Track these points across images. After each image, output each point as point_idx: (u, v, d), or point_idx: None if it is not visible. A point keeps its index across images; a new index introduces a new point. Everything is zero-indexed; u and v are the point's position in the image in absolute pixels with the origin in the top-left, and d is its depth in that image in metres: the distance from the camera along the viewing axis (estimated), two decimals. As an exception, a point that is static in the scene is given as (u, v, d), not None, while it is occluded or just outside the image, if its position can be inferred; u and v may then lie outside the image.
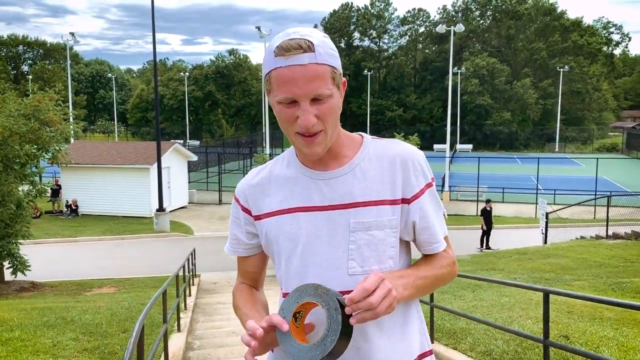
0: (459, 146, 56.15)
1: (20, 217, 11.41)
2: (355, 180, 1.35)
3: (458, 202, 27.02)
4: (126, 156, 23.79)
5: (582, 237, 16.10)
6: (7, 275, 11.66)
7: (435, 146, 55.11)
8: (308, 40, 1.22)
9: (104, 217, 23.00)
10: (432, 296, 5.96)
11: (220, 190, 28.28)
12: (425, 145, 51.88)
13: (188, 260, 9.90)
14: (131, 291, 11.03)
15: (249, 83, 73.35)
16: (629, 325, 5.52)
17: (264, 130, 42.09)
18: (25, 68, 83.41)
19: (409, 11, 74.81)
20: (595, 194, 23.92)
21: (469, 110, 61.48)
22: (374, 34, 73.39)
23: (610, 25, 76.33)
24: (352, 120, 65.94)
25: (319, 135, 1.27)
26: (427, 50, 73.46)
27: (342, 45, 72.52)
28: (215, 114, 74.52)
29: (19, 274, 11.40)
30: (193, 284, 11.40)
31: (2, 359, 5.00)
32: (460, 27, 32.66)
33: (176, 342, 6.39)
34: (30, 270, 11.52)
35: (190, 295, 10.14)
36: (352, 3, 73.16)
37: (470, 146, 58.26)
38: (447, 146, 32.88)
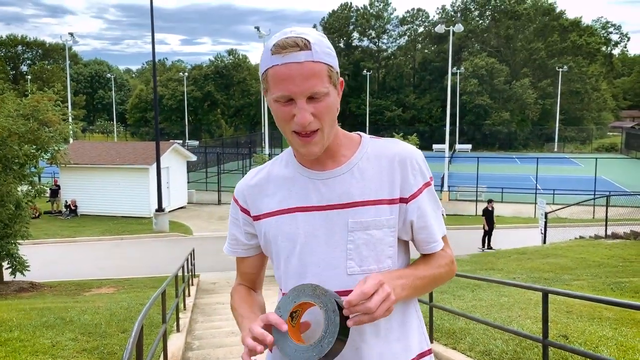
0: (458, 146, 56.19)
1: (19, 218, 11.40)
2: (353, 180, 1.35)
3: (457, 202, 27.04)
4: (125, 156, 23.78)
5: (581, 237, 16.12)
6: (6, 276, 11.65)
7: (435, 146, 55.13)
8: (304, 39, 1.22)
9: (103, 217, 22.99)
10: (431, 296, 5.97)
11: (220, 190, 28.28)
12: (425, 145, 51.87)
13: (187, 260, 9.90)
14: (130, 291, 11.02)
15: (248, 83, 73.34)
16: (627, 324, 5.52)
17: (263, 131, 42.08)
18: (24, 68, 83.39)
19: (408, 11, 74.89)
20: (594, 194, 23.94)
21: (468, 110, 61.52)
22: (373, 34, 73.42)
23: (609, 25, 76.42)
24: (351, 120, 65.95)
25: (315, 135, 1.27)
26: (426, 50, 73.50)
27: (341, 45, 72.54)
28: (215, 114, 74.51)
29: (18, 274, 11.38)
30: (192, 284, 11.40)
31: (1, 359, 5.00)
32: (459, 27, 32.66)
33: (175, 342, 6.38)
34: (29, 270, 11.51)
35: (189, 295, 10.14)
36: (351, 3, 73.22)
37: (469, 146, 58.30)
38: (446, 146, 32.88)
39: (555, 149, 59.33)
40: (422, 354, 1.43)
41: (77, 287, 12.04)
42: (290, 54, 1.21)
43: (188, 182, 28.08)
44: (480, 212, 24.46)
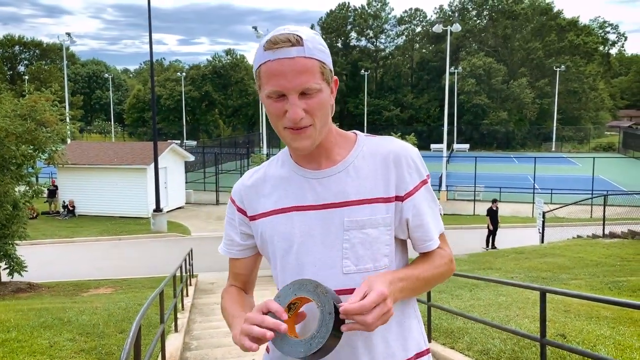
0: (456, 146, 56.27)
1: (17, 218, 11.37)
2: (348, 179, 1.35)
3: (455, 202, 27.07)
4: (123, 156, 23.75)
5: (578, 236, 16.14)
6: (4, 276, 11.62)
7: (433, 146, 55.16)
8: (297, 35, 1.23)
9: (101, 217, 22.96)
10: (429, 295, 5.97)
11: (218, 190, 28.26)
12: (423, 145, 51.93)
13: (185, 260, 9.89)
14: (128, 292, 11.01)
15: (246, 83, 73.31)
16: (625, 323, 5.53)
17: (261, 131, 42.11)
18: (21, 68, 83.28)
19: (405, 11, 75.11)
20: (592, 193, 23.98)
21: (466, 110, 61.59)
22: (371, 34, 73.45)
23: (607, 25, 76.70)
24: (349, 120, 66.01)
25: (308, 129, 1.26)
26: (424, 50, 73.55)
27: (339, 45, 72.60)
28: (212, 114, 74.46)
29: (15, 274, 11.36)
30: (190, 285, 11.38)
31: (-2, 360, 4.99)
32: (456, 27, 32.66)
33: (173, 343, 6.38)
34: (26, 271, 11.48)
35: (187, 295, 10.12)
36: (349, 3, 73.28)
37: (467, 146, 58.38)
38: (444, 146, 32.90)
39: (553, 149, 59.41)
40: (420, 354, 1.42)
41: (75, 287, 12.02)
42: (282, 49, 1.21)
43: (186, 182, 28.06)
44: (478, 212, 24.56)
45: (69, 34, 41.10)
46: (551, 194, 26.53)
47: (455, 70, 58.50)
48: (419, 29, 74.19)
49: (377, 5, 72.92)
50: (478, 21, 71.09)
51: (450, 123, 49.87)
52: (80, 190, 23.49)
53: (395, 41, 74.65)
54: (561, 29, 65.58)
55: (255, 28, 35.77)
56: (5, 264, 11.31)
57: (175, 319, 7.14)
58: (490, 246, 17.19)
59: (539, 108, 63.05)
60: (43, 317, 6.96)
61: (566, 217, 21.07)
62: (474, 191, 27.02)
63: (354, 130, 1.47)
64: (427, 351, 1.45)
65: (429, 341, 5.54)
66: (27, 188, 11.80)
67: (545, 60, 63.73)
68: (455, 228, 20.01)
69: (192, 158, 28.61)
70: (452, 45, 51.46)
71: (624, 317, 5.75)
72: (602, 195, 17.32)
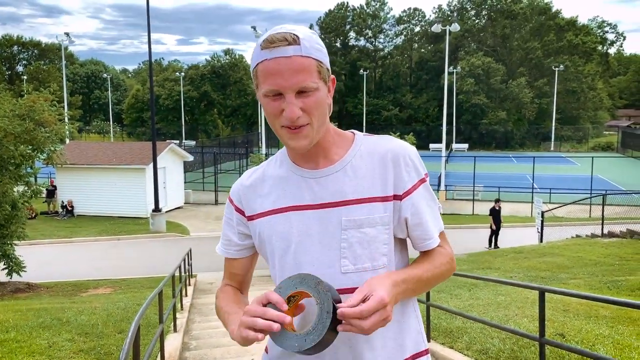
0: (454, 145, 56.30)
1: (16, 218, 11.36)
2: (346, 178, 1.35)
3: (454, 202, 27.08)
4: (122, 156, 23.74)
5: (577, 236, 16.15)
6: (3, 277, 11.61)
7: (431, 145, 55.16)
8: (293, 34, 1.23)
9: (100, 217, 22.95)
10: (428, 295, 5.98)
11: (217, 190, 28.26)
12: (421, 145, 51.90)
13: (184, 260, 9.88)
14: (127, 292, 11.01)
15: (244, 83, 73.30)
16: (624, 323, 5.54)
17: (259, 130, 42.06)
18: (20, 68, 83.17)
19: (404, 11, 74.90)
20: (591, 193, 24.02)
21: (465, 110, 61.62)
22: (370, 34, 73.45)
23: (605, 25, 76.81)
24: (348, 120, 66.04)
25: (305, 129, 1.26)
26: (422, 50, 73.57)
27: (338, 44, 72.61)
28: (211, 114, 74.40)
29: (14, 275, 11.35)
30: (189, 284, 11.38)
31: (-3, 361, 4.99)
32: (455, 27, 32.67)
33: (172, 343, 6.38)
34: (25, 271, 11.48)
35: (186, 295, 10.12)
36: (347, 3, 73.29)
37: (466, 145, 58.41)
38: (443, 145, 32.89)
39: (552, 148, 59.46)
40: (419, 354, 1.42)
41: (73, 287, 12.01)
42: (278, 48, 1.22)
43: (185, 182, 28.06)
44: (477, 212, 24.59)
45: (67, 34, 41.01)
46: (550, 193, 26.54)
47: (454, 70, 58.53)
48: (417, 29, 74.22)
49: (376, 5, 72.93)
50: (477, 21, 71.12)
51: (449, 123, 49.91)
52: (79, 191, 23.47)
53: (394, 41, 74.70)
54: (560, 29, 65.64)
55: (254, 28, 35.72)
56: (4, 264, 11.30)
57: (174, 319, 7.13)
58: (493, 246, 17.17)
59: (537, 108, 63.11)
60: (42, 318, 6.96)
61: (565, 217, 21.09)
62: (473, 191, 27.04)
63: (352, 130, 1.47)
64: (426, 351, 1.45)
65: (428, 341, 5.54)
66: (26, 188, 11.79)
67: (544, 59, 63.78)
68: (454, 228, 20.01)
69: (191, 158, 28.61)
70: (451, 45, 51.47)
71: (623, 317, 5.75)
72: (601, 195, 17.31)
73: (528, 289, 6.11)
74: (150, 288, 10.71)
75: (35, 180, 13.17)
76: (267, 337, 1.24)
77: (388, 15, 73.75)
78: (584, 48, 65.19)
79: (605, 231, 15.27)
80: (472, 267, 11.49)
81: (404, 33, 74.23)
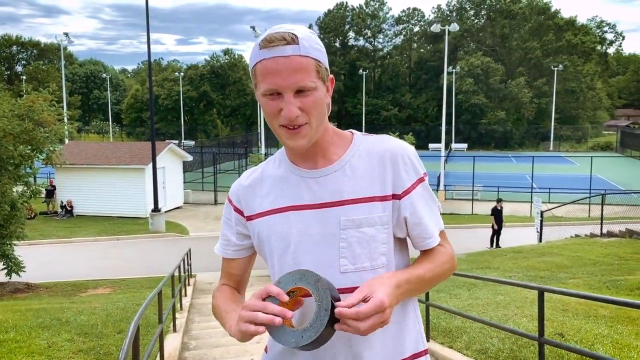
0: (454, 145, 56.30)
1: (15, 218, 11.36)
2: (345, 178, 1.35)
3: (453, 201, 27.09)
4: (121, 156, 23.73)
5: (576, 236, 16.16)
6: (2, 277, 11.61)
7: (431, 145, 55.17)
8: (292, 33, 1.23)
9: (99, 217, 22.94)
10: (428, 295, 5.98)
11: (216, 190, 28.24)
12: (421, 145, 51.90)
13: (183, 260, 9.88)
14: (126, 292, 11.00)
15: (244, 83, 73.28)
16: (623, 322, 5.54)
17: (259, 130, 42.05)
18: (19, 68, 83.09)
19: (403, 10, 75.03)
20: (590, 193, 24.02)
21: (464, 110, 61.64)
22: (369, 34, 73.44)
23: (604, 24, 76.79)
24: (347, 120, 66.03)
25: (303, 128, 1.27)
26: (421, 50, 73.57)
27: (337, 44, 72.60)
28: (210, 114, 74.39)
29: (13, 275, 11.35)
30: (189, 284, 11.38)
31: (-4, 361, 4.99)
32: (454, 27, 32.68)
33: (172, 343, 6.37)
34: (24, 271, 11.47)
35: (186, 295, 10.12)
36: (346, 2, 73.25)
37: (465, 145, 58.43)
38: (442, 145, 32.90)
39: (551, 148, 59.48)
40: (418, 354, 1.42)
41: (73, 287, 12.01)
42: (277, 47, 1.22)
43: (184, 182, 28.05)
44: (476, 211, 24.60)
45: (66, 34, 41.00)
46: (549, 193, 26.54)
47: (453, 70, 58.56)
48: (417, 29, 74.22)
49: (375, 4, 72.92)
50: (476, 21, 71.15)
51: (448, 122, 49.94)
52: (78, 191, 23.46)
53: (393, 41, 74.71)
54: (559, 29, 65.67)
55: (253, 28, 35.69)
56: (3, 264, 11.30)
57: (174, 319, 7.13)
58: (495, 245, 17.15)
59: (536, 107, 63.13)
60: (41, 318, 6.96)
61: (564, 216, 21.10)
62: (472, 191, 27.05)
63: (351, 130, 1.47)
64: (425, 352, 1.45)
65: (428, 340, 5.54)
66: (25, 188, 11.79)
67: (543, 59, 63.80)
68: (453, 227, 20.01)
69: (190, 158, 28.60)
70: (450, 45, 51.51)
71: (622, 316, 5.76)
72: (600, 195, 17.31)
73: (527, 288, 6.11)
74: (150, 288, 10.71)
75: (35, 180, 13.17)
76: (268, 337, 1.24)
77: (387, 15, 73.78)
78: (583, 48, 65.22)
79: (604, 231, 15.28)
80: (472, 267, 11.50)
81: (403, 33, 74.25)
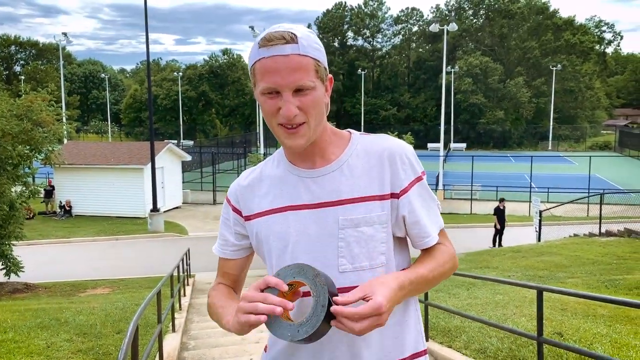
0: (452, 145, 56.34)
1: (13, 218, 11.35)
2: (342, 178, 1.35)
3: (452, 201, 27.11)
4: (120, 156, 23.72)
5: (575, 235, 16.17)
6: (1, 277, 11.59)
7: (429, 145, 55.28)
8: (291, 32, 1.23)
9: (98, 217, 22.92)
10: (426, 294, 5.99)
11: (215, 190, 28.24)
12: (419, 144, 51.99)
13: (182, 260, 9.88)
14: (125, 292, 11.00)
15: (242, 83, 73.25)
16: (622, 322, 5.55)
17: (258, 130, 42.08)
18: (17, 68, 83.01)
19: (402, 10, 74.89)
20: (589, 192, 24.03)
21: (463, 109, 61.66)
22: (368, 34, 73.45)
23: (603, 24, 76.92)
24: (346, 120, 66.02)
25: (302, 127, 1.27)
26: (420, 50, 73.58)
27: (336, 44, 72.59)
28: (209, 113, 74.37)
29: (12, 275, 11.33)
30: (188, 284, 11.37)
31: (-5, 361, 4.98)
32: (453, 26, 32.74)
33: (171, 343, 6.37)
34: (23, 271, 11.45)
35: (184, 295, 10.12)
36: (345, 2, 73.23)
37: (463, 145, 58.49)
38: (441, 145, 32.93)
39: (550, 147, 59.51)
40: (417, 354, 1.42)
41: (72, 287, 12.00)
42: (276, 46, 1.22)
43: (183, 182, 28.04)
44: (475, 211, 24.62)
45: (65, 34, 41.01)
46: (548, 192, 26.58)
47: (452, 70, 58.56)
48: (415, 29, 74.25)
49: (374, 4, 72.93)
50: (474, 20, 71.17)
51: (447, 122, 49.89)
52: (77, 191, 23.45)
53: (392, 40, 74.71)
54: (557, 28, 65.71)
55: (252, 28, 35.71)
56: (2, 264, 11.28)
57: (173, 319, 7.13)
58: (497, 245, 17.14)
59: (535, 107, 63.17)
60: (40, 318, 6.95)
61: (563, 216, 21.12)
62: (471, 190, 27.07)
63: (349, 129, 1.47)
64: (425, 352, 1.45)
65: (427, 340, 5.55)
66: (24, 188, 11.77)
67: (542, 59, 63.83)
68: (452, 227, 20.02)
69: (189, 158, 28.59)
70: (449, 45, 51.53)
71: (621, 316, 5.76)
72: (599, 194, 17.31)
73: (526, 288, 6.12)
74: (149, 288, 10.70)
75: (33, 181, 13.17)
76: (267, 337, 1.24)
77: (386, 15, 73.79)
78: (582, 47, 65.26)
79: (603, 230, 15.28)
80: (470, 267, 11.50)
81: (402, 33, 74.27)
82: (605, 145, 58.76)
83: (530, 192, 26.45)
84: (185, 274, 11.03)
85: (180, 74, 72.06)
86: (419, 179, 1.39)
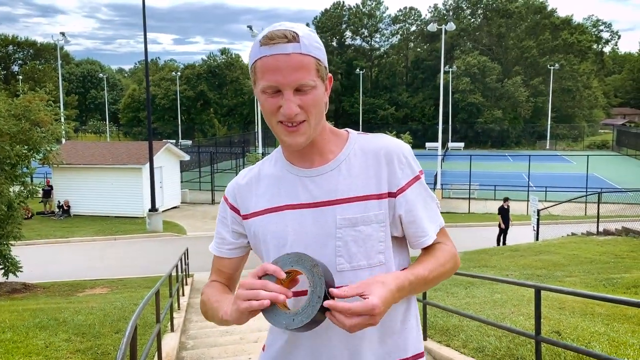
0: (450, 144, 56.40)
1: (12, 218, 11.33)
2: (340, 177, 1.35)
3: (450, 200, 27.13)
4: (118, 156, 23.69)
5: (573, 234, 16.19)
6: (-1, 277, 11.60)
7: (428, 144, 55.32)
8: (293, 31, 1.24)
9: (96, 217, 22.90)
10: (425, 293, 5.99)
11: (213, 189, 28.22)
12: (418, 144, 52.05)
13: (181, 260, 9.88)
14: (124, 292, 10.99)
15: (241, 82, 73.20)
16: (619, 320, 5.56)
17: (256, 130, 42.07)
18: (15, 68, 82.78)
19: (400, 10, 74.95)
20: (586, 191, 24.05)
21: (461, 109, 61.70)
22: (366, 33, 73.47)
23: (600, 23, 76.96)
24: (344, 119, 65.99)
25: (302, 126, 1.27)
26: (418, 49, 73.61)
27: (334, 44, 72.57)
28: (208, 113, 74.31)
29: (10, 275, 11.32)
30: (186, 284, 11.38)
31: (-6, 361, 4.98)
32: (451, 26, 32.74)
33: (169, 342, 6.37)
34: (22, 271, 11.44)
35: (183, 295, 10.12)
36: (343, 2, 73.23)
37: (462, 144, 58.55)
38: (439, 144, 32.96)
39: (547, 147, 59.59)
40: (419, 355, 1.42)
41: (70, 287, 11.98)
42: (278, 45, 1.22)
43: (181, 182, 28.01)
44: (473, 210, 24.64)
45: (63, 34, 40.92)
46: (545, 191, 26.61)
47: (450, 69, 58.60)
48: (413, 28, 74.28)
49: (372, 4, 72.92)
50: (472, 20, 71.21)
51: (445, 122, 49.97)
52: (76, 190, 23.42)
53: (390, 40, 74.75)
54: (555, 28, 65.76)
55: (250, 27, 35.69)
56: (1, 264, 11.27)
57: (171, 318, 7.13)
58: (502, 244, 17.12)
59: (533, 106, 63.23)
60: (38, 318, 6.95)
61: (561, 215, 21.16)
62: (469, 189, 27.09)
63: (346, 129, 1.47)
64: (422, 354, 1.44)
65: (425, 339, 5.56)
66: (22, 188, 11.75)
67: (539, 58, 63.89)
68: (450, 226, 19.94)
69: (187, 157, 28.55)
70: (447, 44, 51.57)
71: (618, 314, 5.77)
72: (596, 193, 17.34)
73: (524, 287, 6.13)
74: (147, 288, 10.70)
75: (32, 180, 13.14)
76: (266, 336, 1.25)
77: (384, 15, 73.79)
78: (579, 47, 65.32)
79: (601, 229, 15.30)
80: (469, 265, 11.51)
81: (400, 32, 74.29)
82: (602, 145, 58.87)
83: (528, 191, 26.50)
84: (184, 273, 11.03)
85: (179, 73, 72.02)
86: (417, 178, 1.39)
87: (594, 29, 75.04)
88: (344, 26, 73.29)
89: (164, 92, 71.14)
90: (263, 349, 1.50)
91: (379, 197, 1.35)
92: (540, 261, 11.33)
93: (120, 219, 22.74)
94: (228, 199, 1.49)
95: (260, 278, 1.20)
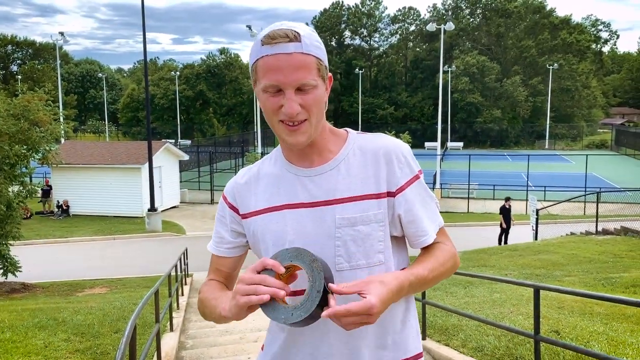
0: (449, 144, 56.44)
1: (11, 218, 11.32)
2: (339, 176, 1.35)
3: (449, 200, 27.14)
4: (117, 156, 23.68)
5: (572, 233, 16.21)
6: (-2, 277, 11.59)
7: (427, 144, 55.34)
8: (295, 31, 1.24)
9: (96, 217, 22.89)
10: (424, 293, 5.99)
11: (212, 189, 28.22)
12: (417, 143, 52.08)
13: (180, 259, 9.87)
14: (123, 291, 10.98)
15: (240, 82, 73.15)
16: (618, 319, 5.56)
17: (255, 129, 42.02)
18: (14, 68, 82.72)
19: (399, 10, 74.94)
20: (585, 191, 24.09)
21: (460, 108, 61.73)
22: (365, 33, 73.47)
23: (599, 23, 77.11)
24: (343, 119, 66.00)
25: (303, 125, 1.27)
26: (417, 49, 73.64)
27: (333, 43, 72.55)
28: (207, 113, 74.27)
29: (9, 275, 11.32)
30: (185, 284, 11.38)
31: (-7, 361, 4.98)
32: (450, 26, 32.74)
33: (169, 342, 6.37)
34: (21, 271, 11.44)
35: (182, 294, 10.12)
36: (342, 2, 73.22)
37: (461, 144, 58.58)
38: (438, 144, 32.97)
39: (546, 146, 59.63)
40: (418, 355, 1.42)
41: (69, 287, 11.98)
42: (279, 44, 1.22)
43: (180, 182, 28.00)
44: (472, 210, 24.65)
45: (62, 33, 40.86)
46: (544, 191, 26.63)
47: (449, 69, 58.64)
48: (412, 28, 74.31)
49: (371, 4, 72.91)
50: (471, 19, 71.24)
51: (444, 121, 49.99)
52: (75, 190, 23.41)
53: (389, 40, 74.75)
54: (554, 27, 65.78)
55: (249, 27, 35.66)
56: (0, 264, 11.27)
57: (171, 318, 7.13)
58: (503, 244, 17.11)
59: (532, 106, 63.26)
60: (37, 318, 6.94)
61: (559, 214, 21.17)
62: (468, 189, 27.10)
63: (346, 128, 1.47)
64: (420, 355, 1.44)
65: (424, 338, 5.56)
66: (21, 188, 11.75)
67: (538, 58, 63.92)
68: (449, 226, 19.97)
69: (186, 157, 28.55)
70: (446, 44, 51.59)
71: (617, 313, 5.78)
72: (595, 193, 17.38)
73: (523, 286, 6.14)
74: (147, 287, 10.69)
75: (31, 180, 13.14)
76: (265, 336, 1.25)
77: (383, 14, 73.80)
78: (578, 46, 65.37)
79: (600, 228, 15.32)
80: (468, 265, 11.52)
81: (399, 32, 74.31)
82: (601, 144, 58.92)
83: (527, 190, 26.50)
84: (183, 273, 11.03)
85: (178, 73, 71.95)
86: (416, 177, 1.39)
87: (593, 29, 75.14)
88: (343, 26, 73.29)
89: (163, 92, 71.10)
90: (262, 349, 1.50)
91: (378, 196, 1.35)
92: (539, 261, 11.34)
93: (119, 218, 22.73)
94: (227, 198, 1.48)
95: (259, 273, 1.20)
